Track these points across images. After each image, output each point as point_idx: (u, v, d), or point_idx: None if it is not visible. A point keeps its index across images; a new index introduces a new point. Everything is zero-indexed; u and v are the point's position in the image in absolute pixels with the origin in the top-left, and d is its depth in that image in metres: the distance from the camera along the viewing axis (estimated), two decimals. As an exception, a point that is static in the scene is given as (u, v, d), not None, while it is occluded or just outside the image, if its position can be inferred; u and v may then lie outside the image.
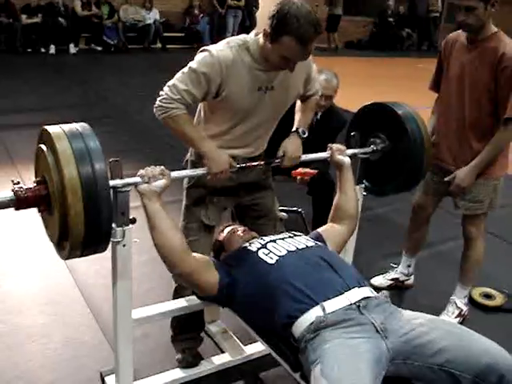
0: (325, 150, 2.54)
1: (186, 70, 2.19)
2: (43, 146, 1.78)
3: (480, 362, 1.76)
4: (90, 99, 7.97)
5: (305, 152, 2.49)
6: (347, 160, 2.51)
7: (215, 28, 13.77)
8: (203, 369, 2.61)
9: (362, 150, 2.59)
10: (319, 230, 2.45)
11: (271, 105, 2.33)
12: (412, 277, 3.55)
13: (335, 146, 2.51)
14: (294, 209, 4.28)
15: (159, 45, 12.97)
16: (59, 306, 3.09)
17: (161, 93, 2.21)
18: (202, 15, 13.41)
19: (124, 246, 2.01)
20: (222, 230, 2.49)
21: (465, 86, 2.83)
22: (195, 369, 2.60)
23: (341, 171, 2.51)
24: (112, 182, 1.87)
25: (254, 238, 2.35)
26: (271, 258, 2.10)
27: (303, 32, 2.01)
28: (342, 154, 2.50)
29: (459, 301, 3.18)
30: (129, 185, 1.94)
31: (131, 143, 6.10)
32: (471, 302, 3.33)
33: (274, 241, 2.22)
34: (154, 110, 2.23)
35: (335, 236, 2.39)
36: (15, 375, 2.55)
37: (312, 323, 1.86)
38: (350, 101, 4.84)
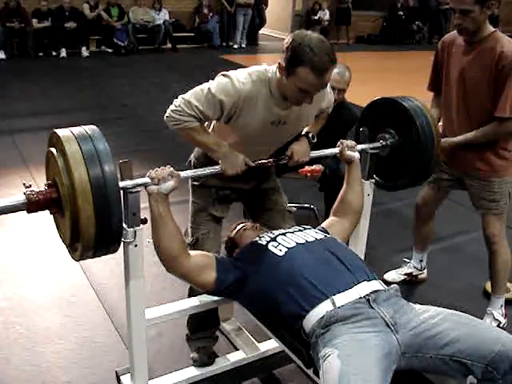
0: (335, 145, 2.54)
1: (204, 88, 2.14)
2: (53, 149, 1.80)
3: (492, 350, 1.77)
4: (102, 101, 8.00)
5: (316, 145, 2.50)
6: (357, 156, 2.52)
7: (225, 27, 13.77)
8: (217, 366, 2.62)
9: (371, 146, 2.59)
10: (323, 224, 2.47)
11: (281, 136, 2.36)
12: (425, 271, 3.54)
13: (345, 141, 2.51)
14: (307, 205, 4.29)
15: (169, 45, 12.93)
16: (75, 307, 3.11)
17: (175, 102, 2.17)
18: (211, 14, 13.38)
19: (136, 246, 2.02)
20: (234, 228, 2.50)
21: (467, 90, 2.78)
22: (210, 367, 2.61)
23: (350, 166, 2.52)
24: (122, 183, 1.88)
25: (264, 232, 2.36)
26: (280, 250, 2.12)
27: (318, 61, 1.98)
28: (351, 149, 2.50)
29: (496, 312, 3.07)
30: (139, 185, 1.95)
31: (142, 143, 6.12)
32: (485, 293, 3.30)
33: (284, 234, 2.25)
34: (166, 119, 2.20)
35: (340, 232, 2.41)
36: (32, 376, 2.57)
37: (322, 318, 1.87)
38: (360, 96, 4.81)
